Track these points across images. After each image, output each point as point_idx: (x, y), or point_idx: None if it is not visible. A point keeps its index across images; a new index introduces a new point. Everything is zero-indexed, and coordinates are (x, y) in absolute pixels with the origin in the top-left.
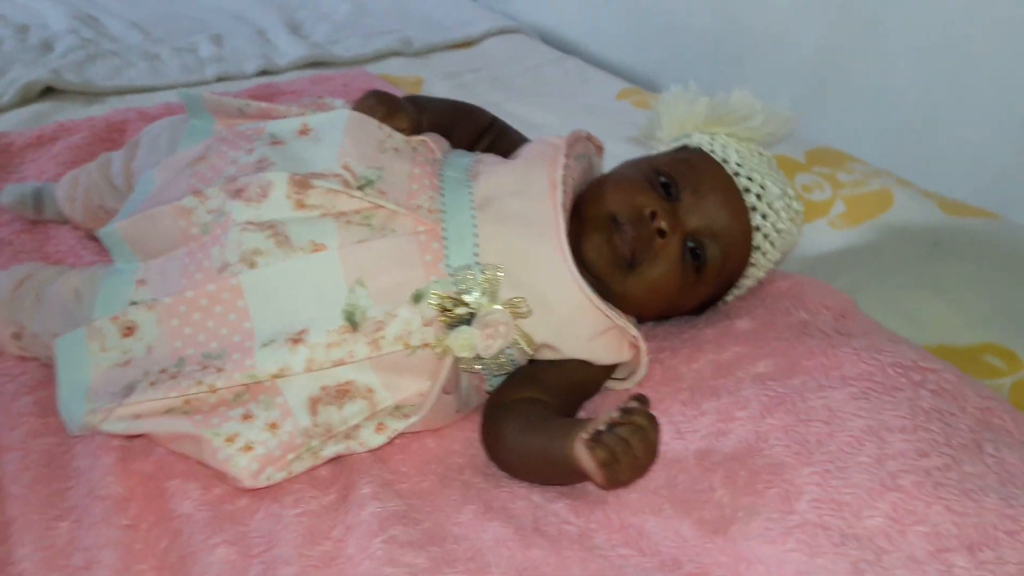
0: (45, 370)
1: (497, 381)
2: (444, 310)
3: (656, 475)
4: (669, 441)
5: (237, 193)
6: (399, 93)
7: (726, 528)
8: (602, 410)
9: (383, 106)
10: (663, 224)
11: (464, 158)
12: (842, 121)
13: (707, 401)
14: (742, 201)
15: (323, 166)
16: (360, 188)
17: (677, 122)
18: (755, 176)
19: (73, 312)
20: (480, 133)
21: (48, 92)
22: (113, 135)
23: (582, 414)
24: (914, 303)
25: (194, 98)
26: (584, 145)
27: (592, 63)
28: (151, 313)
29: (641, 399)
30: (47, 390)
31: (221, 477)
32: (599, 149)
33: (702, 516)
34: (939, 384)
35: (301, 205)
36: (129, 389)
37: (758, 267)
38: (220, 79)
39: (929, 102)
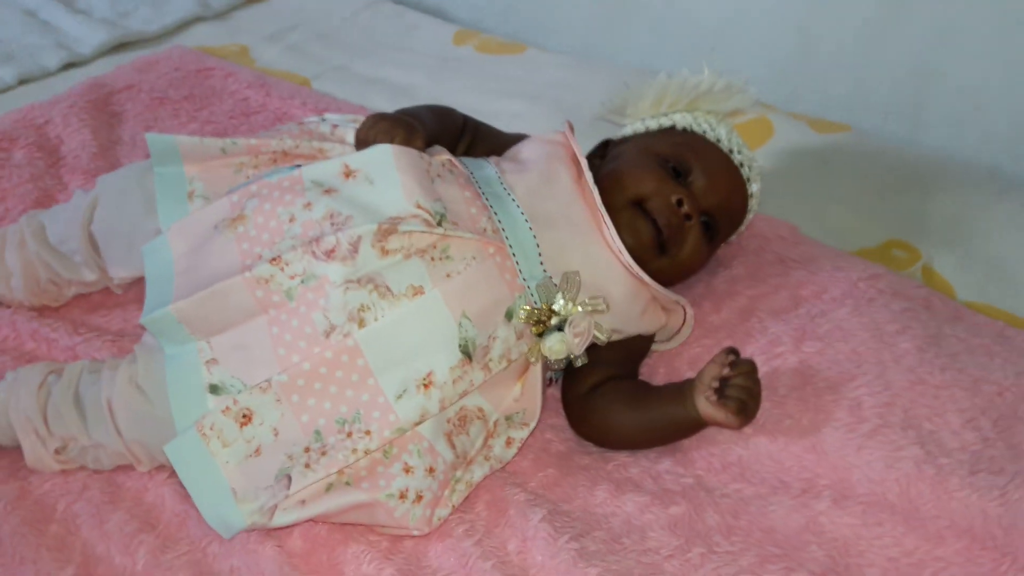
0: (100, 477)
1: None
2: (537, 321)
3: None
4: None
5: (329, 254)
6: (234, 65)
7: (813, 446)
8: (658, 374)
9: (400, 129)
10: (688, 209)
11: (485, 169)
12: (645, 40)
13: (748, 344)
14: (740, 176)
15: (397, 209)
16: (439, 224)
17: (652, 102)
18: (742, 151)
19: (148, 412)
20: (458, 133)
21: None
22: None
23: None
24: (828, 217)
25: (165, 144)
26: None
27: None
28: (266, 395)
29: (734, 351)
30: (129, 502)
31: (371, 530)
32: (572, 130)
33: (788, 440)
34: (892, 287)
35: (385, 252)
36: (285, 478)
37: (746, 221)
38: (22, 81)
39: (719, 6)
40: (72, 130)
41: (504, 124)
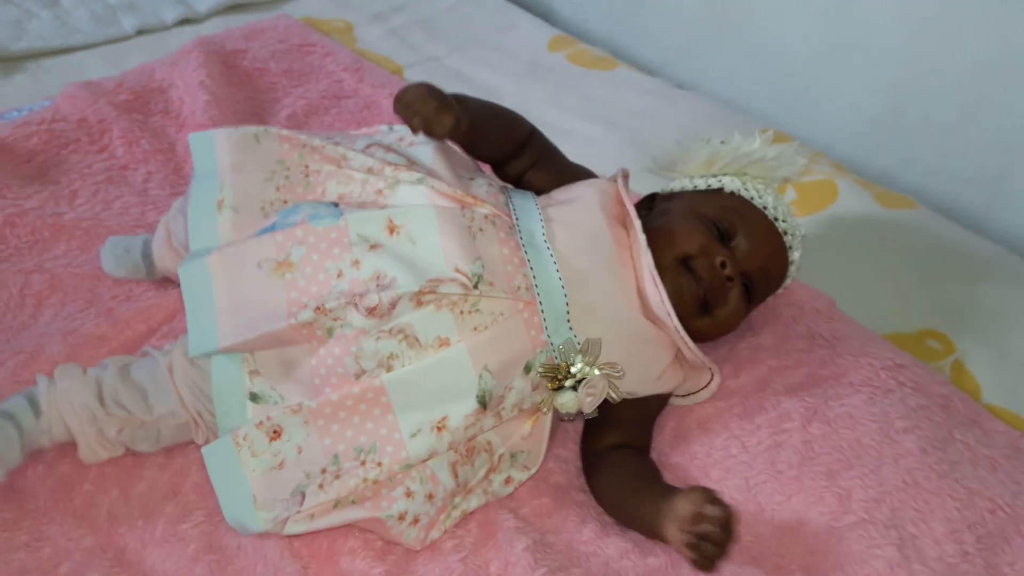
0: (133, 456)
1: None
2: (553, 378)
3: (732, 482)
4: (738, 453)
5: (369, 312)
6: (334, 43)
7: (796, 528)
8: (668, 427)
9: (433, 99)
10: (731, 271)
11: (532, 219)
12: (735, 69)
13: (758, 415)
14: (783, 243)
15: (436, 271)
16: (475, 286)
17: (702, 164)
18: (787, 219)
19: (203, 386)
20: (519, 146)
21: None
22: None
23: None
24: (872, 294)
25: (204, 141)
26: (625, 183)
27: None
28: (296, 417)
29: (710, 493)
30: (153, 470)
31: (370, 529)
32: (626, 177)
33: (774, 515)
34: (914, 380)
35: (420, 304)
36: (300, 495)
37: (784, 286)
38: (140, 32)
39: (815, 50)
40: (194, 96)
41: (575, 146)
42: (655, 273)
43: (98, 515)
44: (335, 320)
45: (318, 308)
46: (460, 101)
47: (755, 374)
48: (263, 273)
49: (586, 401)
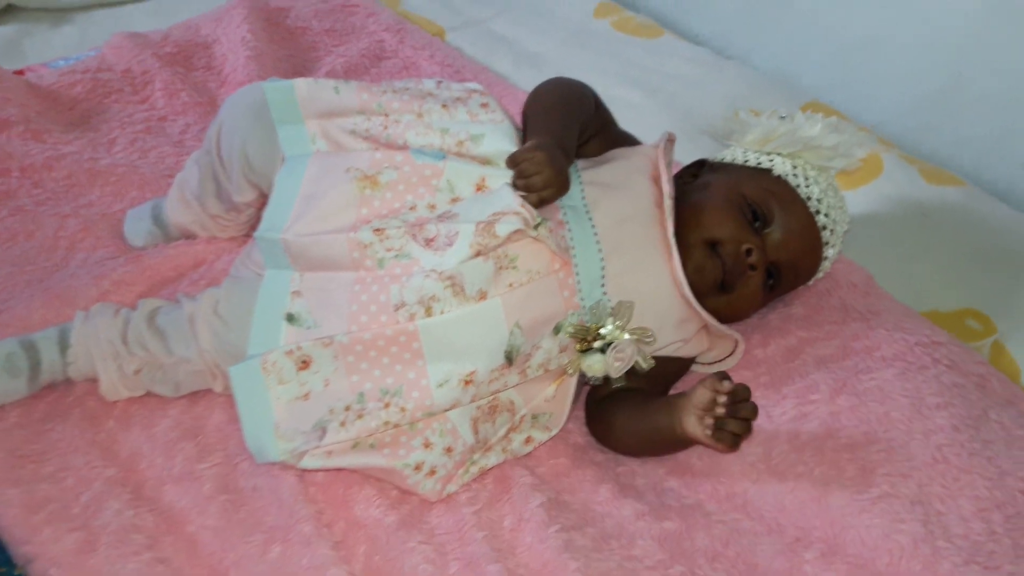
0: (158, 398)
1: None
2: (582, 340)
3: (752, 450)
4: (761, 423)
5: (427, 243)
6: (378, 4)
7: (818, 498)
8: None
9: (557, 185)
10: (755, 260)
11: (573, 183)
12: (785, 42)
13: (785, 385)
14: (819, 238)
15: (502, 204)
16: (535, 227)
17: (757, 139)
18: (831, 213)
19: (226, 338)
20: (584, 126)
21: (8, 11)
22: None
23: None
24: (910, 271)
25: (283, 92)
26: (670, 149)
27: None
28: (327, 350)
29: (726, 376)
30: (177, 410)
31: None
32: (672, 143)
33: (796, 486)
34: (950, 358)
35: (477, 252)
36: (321, 430)
37: (813, 279)
38: None
39: (870, 26)
40: (236, 52)
41: (616, 113)
42: (674, 248)
43: (120, 450)
44: (388, 251)
45: (377, 230)
46: (564, 155)
47: (784, 344)
48: (348, 178)
49: (614, 366)
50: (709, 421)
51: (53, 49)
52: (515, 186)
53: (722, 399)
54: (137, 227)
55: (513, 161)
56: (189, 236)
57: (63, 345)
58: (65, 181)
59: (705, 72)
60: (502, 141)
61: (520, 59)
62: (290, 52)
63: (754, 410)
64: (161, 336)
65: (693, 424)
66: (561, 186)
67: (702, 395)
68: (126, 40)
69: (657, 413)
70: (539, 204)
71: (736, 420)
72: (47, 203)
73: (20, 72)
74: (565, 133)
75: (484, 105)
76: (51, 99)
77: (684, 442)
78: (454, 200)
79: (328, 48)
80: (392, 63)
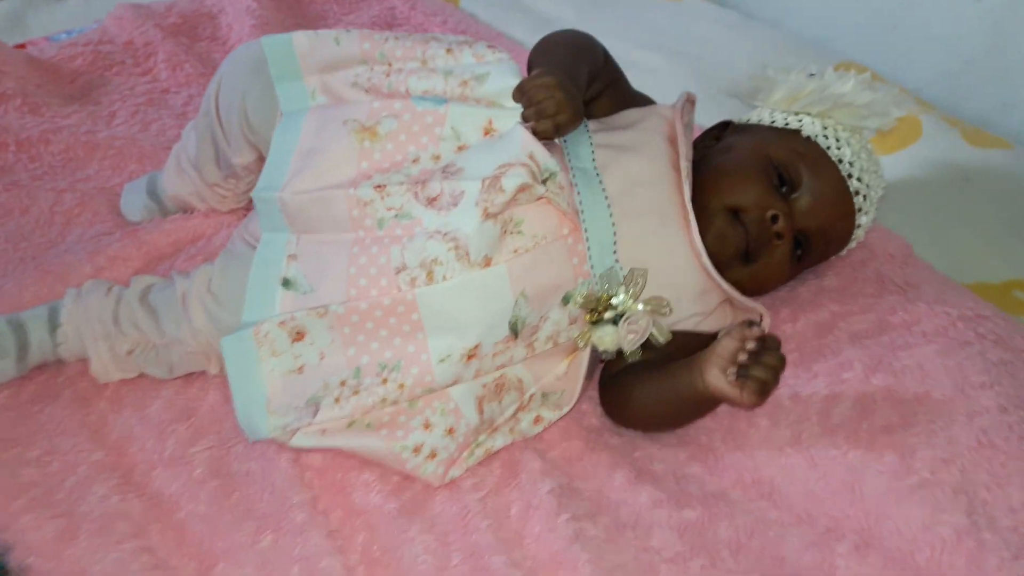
0: (151, 380)
1: None
2: (592, 310)
3: (781, 432)
4: (790, 404)
5: (430, 201)
6: None
7: (852, 485)
8: None
9: (570, 110)
10: (781, 228)
11: (582, 143)
12: (818, 4)
13: (816, 363)
14: (852, 203)
15: (508, 156)
16: (544, 181)
17: (785, 97)
18: (864, 176)
19: (218, 316)
20: (593, 77)
21: None
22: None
23: None
24: (953, 241)
25: (282, 46)
26: (690, 110)
27: None
28: (322, 320)
29: (753, 323)
30: (171, 391)
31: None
32: (692, 103)
33: (828, 471)
34: (996, 333)
35: (487, 215)
36: (314, 406)
37: (847, 249)
38: None
39: None
40: (242, 21)
41: (635, 78)
42: (690, 208)
43: (110, 432)
44: (388, 210)
45: (379, 186)
46: (574, 84)
47: (815, 319)
48: (346, 131)
49: (627, 339)
50: (732, 369)
51: (57, 22)
52: (525, 118)
53: (750, 345)
54: (133, 201)
55: (520, 90)
56: (187, 209)
57: (52, 324)
58: (62, 155)
59: (732, 35)
60: (508, 78)
61: (536, 24)
62: (298, 21)
63: (782, 360)
64: (153, 314)
65: (716, 375)
66: (575, 112)
67: (727, 344)
68: (129, 11)
69: (678, 371)
70: (555, 133)
71: (761, 366)
72: (43, 177)
73: (21, 46)
74: (574, 70)
75: (491, 47)
76: (51, 72)
77: (707, 400)
78: (460, 148)
79: (337, 16)
80: (403, 31)
